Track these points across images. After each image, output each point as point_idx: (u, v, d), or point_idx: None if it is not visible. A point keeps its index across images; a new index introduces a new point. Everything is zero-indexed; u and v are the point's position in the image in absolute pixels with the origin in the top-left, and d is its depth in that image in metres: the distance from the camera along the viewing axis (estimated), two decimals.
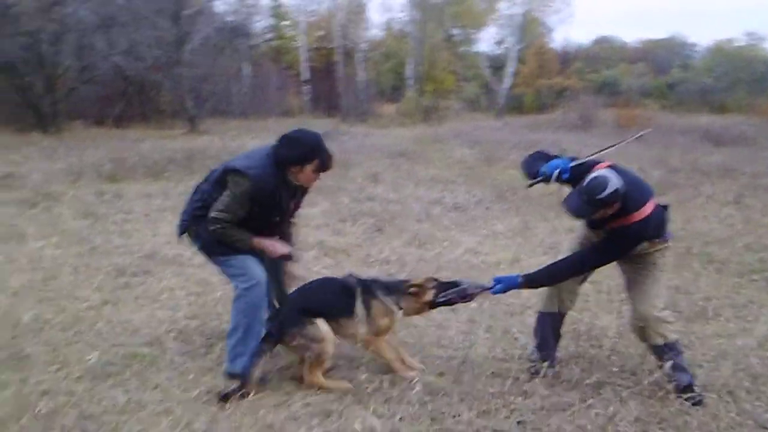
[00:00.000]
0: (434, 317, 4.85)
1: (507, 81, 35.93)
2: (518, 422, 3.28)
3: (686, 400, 3.50)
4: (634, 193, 3.45)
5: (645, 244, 3.61)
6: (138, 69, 20.54)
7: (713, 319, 4.97)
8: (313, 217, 8.06)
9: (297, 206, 3.99)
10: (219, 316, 4.72)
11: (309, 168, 3.67)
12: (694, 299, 5.35)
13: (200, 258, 5.68)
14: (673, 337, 3.66)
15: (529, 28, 39.77)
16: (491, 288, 3.70)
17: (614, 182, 3.32)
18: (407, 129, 23.85)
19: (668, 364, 3.57)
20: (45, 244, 6.50)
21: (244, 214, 3.64)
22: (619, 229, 3.49)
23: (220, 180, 3.71)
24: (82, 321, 4.58)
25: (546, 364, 3.78)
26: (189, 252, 6.04)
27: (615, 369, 3.95)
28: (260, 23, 41.54)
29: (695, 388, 3.59)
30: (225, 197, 3.62)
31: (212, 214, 3.62)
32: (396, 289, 3.86)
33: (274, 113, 29.18)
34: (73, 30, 18.77)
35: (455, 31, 48.08)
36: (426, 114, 28.68)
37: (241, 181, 3.56)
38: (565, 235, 6.88)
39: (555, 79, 42.63)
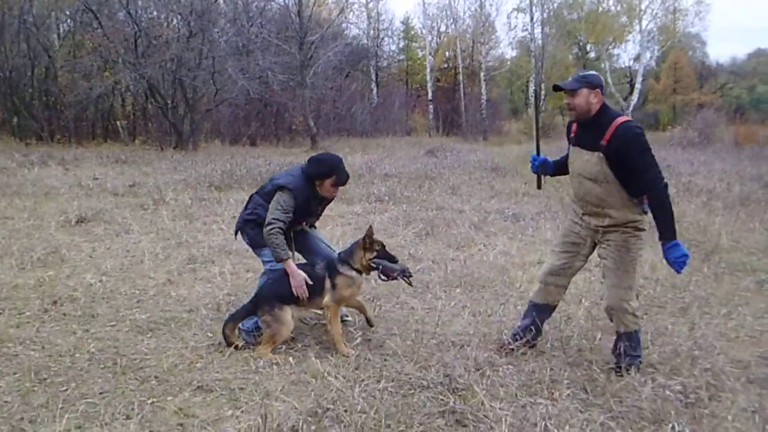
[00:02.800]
0: (433, 303, 5.59)
1: (634, 97, 35.03)
2: (445, 375, 3.97)
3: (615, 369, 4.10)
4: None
5: (626, 214, 4.06)
6: (264, 91, 22.50)
7: (690, 314, 5.32)
8: (377, 222, 8.98)
9: (322, 210, 5.16)
10: (250, 294, 5.72)
11: (328, 182, 4.78)
12: (682, 295, 5.72)
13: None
14: (633, 328, 4.16)
15: (664, 43, 38.58)
16: None
17: (596, 73, 4.19)
18: (521, 146, 24.24)
19: (620, 348, 4.13)
20: (142, 238, 7.88)
21: (290, 218, 4.70)
22: (621, 129, 3.95)
23: (270, 193, 4.83)
24: (145, 293, 5.77)
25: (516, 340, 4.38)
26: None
27: (583, 349, 4.52)
28: (391, 45, 43.34)
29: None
30: (275, 206, 4.68)
31: (268, 219, 4.64)
32: (351, 255, 4.68)
33: (396, 132, 30.43)
34: (208, 57, 21.01)
35: (589, 47, 47.51)
36: (543, 131, 28.83)
37: (287, 194, 4.68)
38: None
39: (691, 95, 40.99)
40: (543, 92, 31.90)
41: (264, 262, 4.98)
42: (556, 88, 4.21)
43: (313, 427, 3.27)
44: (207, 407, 3.65)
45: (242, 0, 25.58)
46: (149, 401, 3.67)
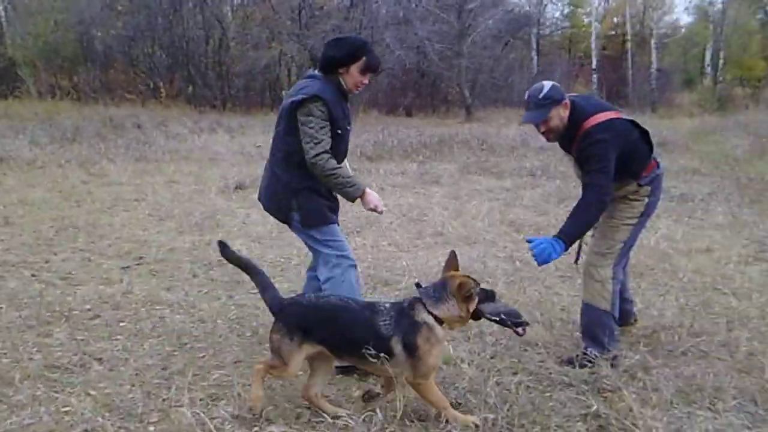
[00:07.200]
0: None
1: None
2: (591, 374, 3.63)
3: None
4: (585, 104, 3.70)
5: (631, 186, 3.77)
6: (421, 61, 22.41)
7: None
8: (527, 198, 8.56)
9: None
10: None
11: (355, 68, 3.57)
12: None
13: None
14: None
15: None
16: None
17: (549, 83, 3.69)
18: (693, 119, 22.41)
19: None
20: None
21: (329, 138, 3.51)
22: (582, 136, 3.61)
23: (290, 120, 3.56)
24: (289, 262, 5.85)
25: None
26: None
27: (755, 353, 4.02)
28: (555, 12, 41.66)
29: None
30: (308, 129, 3.46)
31: (309, 153, 3.43)
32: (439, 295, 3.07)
33: None
34: (367, 27, 21.20)
35: None
36: (721, 104, 26.47)
37: (312, 104, 3.45)
38: None
39: None
40: (722, 62, 29.26)
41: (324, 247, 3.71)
42: None
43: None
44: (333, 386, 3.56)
45: None
46: None
